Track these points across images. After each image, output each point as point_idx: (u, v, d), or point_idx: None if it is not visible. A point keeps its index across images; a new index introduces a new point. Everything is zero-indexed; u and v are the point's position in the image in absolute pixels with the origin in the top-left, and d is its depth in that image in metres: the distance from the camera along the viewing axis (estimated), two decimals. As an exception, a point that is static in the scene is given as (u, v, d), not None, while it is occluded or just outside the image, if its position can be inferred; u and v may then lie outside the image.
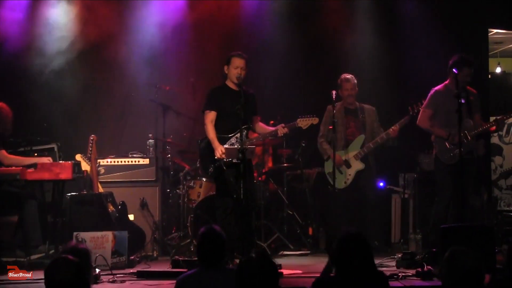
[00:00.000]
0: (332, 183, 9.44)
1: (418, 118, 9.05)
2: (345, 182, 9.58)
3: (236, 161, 7.71)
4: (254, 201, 8.22)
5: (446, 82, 8.89)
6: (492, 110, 10.56)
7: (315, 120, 8.19)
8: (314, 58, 11.22)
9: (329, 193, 9.76)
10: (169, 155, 10.06)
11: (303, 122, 8.12)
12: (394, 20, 11.09)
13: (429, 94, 9.01)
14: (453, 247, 4.39)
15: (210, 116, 8.10)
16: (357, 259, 4.44)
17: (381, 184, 10.38)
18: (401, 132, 9.40)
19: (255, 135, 8.50)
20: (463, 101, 8.19)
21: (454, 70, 8.26)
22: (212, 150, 7.97)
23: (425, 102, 9.02)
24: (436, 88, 8.97)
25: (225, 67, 8.18)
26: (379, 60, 10.83)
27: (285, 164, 10.34)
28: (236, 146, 7.80)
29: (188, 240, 9.38)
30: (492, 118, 9.47)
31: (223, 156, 7.87)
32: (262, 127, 8.38)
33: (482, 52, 11.11)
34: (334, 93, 9.11)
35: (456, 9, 10.93)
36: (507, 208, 11.31)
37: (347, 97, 9.67)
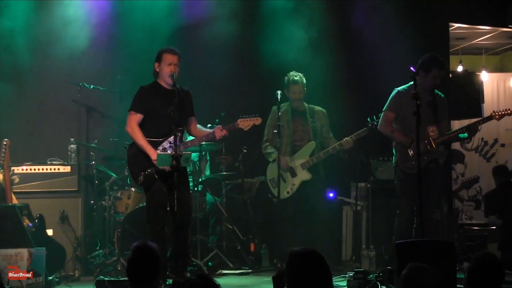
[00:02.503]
0: (273, 190, 9.46)
1: (379, 122, 8.87)
2: (288, 192, 9.61)
3: (169, 168, 7.64)
4: (189, 213, 8.15)
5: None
6: (453, 113, 10.57)
7: (257, 121, 8.11)
8: (258, 56, 11.19)
9: (272, 205, 9.78)
10: (93, 162, 9.95)
11: (244, 123, 8.05)
12: (344, 11, 11.16)
13: (391, 95, 8.82)
14: (411, 265, 4.43)
15: (136, 118, 7.96)
16: (315, 282, 4.41)
17: (331, 195, 10.41)
18: (355, 143, 9.41)
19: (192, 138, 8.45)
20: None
21: (411, 68, 7.90)
22: (142, 157, 7.90)
23: (386, 104, 8.83)
24: (399, 88, 8.77)
25: (156, 64, 8.09)
26: (330, 57, 10.76)
27: (224, 173, 10.31)
28: (169, 152, 7.73)
29: (115, 258, 9.33)
30: (455, 123, 9.50)
31: None
32: (199, 130, 8.31)
33: (443, 48, 11.17)
34: (279, 93, 9.13)
35: (414, 1, 11.03)
36: (469, 222, 11.45)
37: (294, 100, 9.70)
